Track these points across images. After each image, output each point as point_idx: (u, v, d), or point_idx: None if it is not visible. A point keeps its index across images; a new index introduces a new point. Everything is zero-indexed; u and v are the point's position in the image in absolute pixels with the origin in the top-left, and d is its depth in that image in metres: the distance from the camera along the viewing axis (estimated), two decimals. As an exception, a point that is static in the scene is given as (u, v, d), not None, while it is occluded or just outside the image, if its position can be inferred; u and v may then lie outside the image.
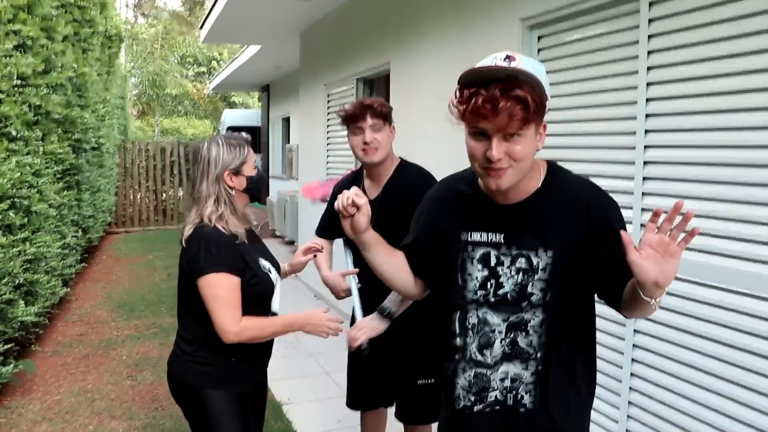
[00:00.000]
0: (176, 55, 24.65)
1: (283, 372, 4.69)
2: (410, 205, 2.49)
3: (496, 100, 1.37)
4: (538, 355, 1.57)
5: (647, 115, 2.56)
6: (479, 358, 1.61)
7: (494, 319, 1.58)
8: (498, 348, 1.59)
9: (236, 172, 2.21)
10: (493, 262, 1.57)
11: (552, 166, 1.61)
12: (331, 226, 2.84)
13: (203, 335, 2.13)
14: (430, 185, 1.95)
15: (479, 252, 1.59)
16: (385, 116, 2.60)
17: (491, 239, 1.58)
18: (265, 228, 11.95)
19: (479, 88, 1.40)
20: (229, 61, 13.54)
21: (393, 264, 1.76)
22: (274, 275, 2.30)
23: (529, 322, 1.57)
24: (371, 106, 2.58)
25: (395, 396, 2.79)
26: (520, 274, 1.55)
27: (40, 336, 5.36)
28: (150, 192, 13.30)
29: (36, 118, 4.88)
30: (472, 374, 1.63)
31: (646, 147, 2.58)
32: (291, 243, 10.37)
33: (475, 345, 1.62)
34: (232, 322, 2.05)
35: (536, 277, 1.54)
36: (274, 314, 2.30)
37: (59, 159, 5.70)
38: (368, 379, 2.81)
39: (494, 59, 1.45)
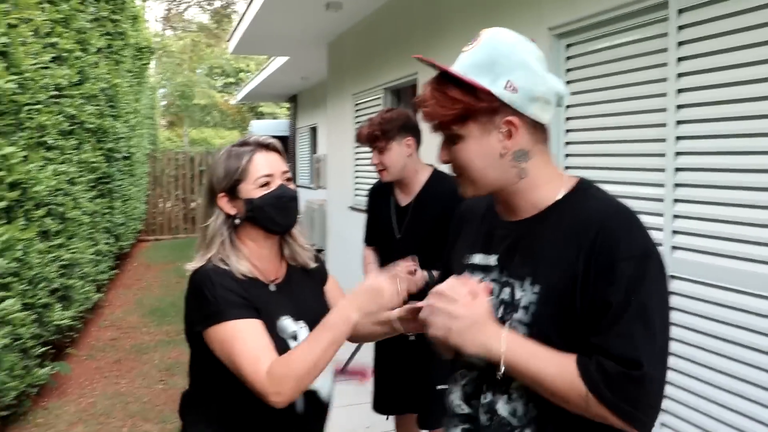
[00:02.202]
0: (204, 66, 25.02)
1: (311, 378, 4.71)
2: (448, 215, 2.51)
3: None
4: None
5: (678, 122, 2.56)
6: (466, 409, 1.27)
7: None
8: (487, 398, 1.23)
9: (231, 193, 1.56)
10: None
11: (582, 183, 1.24)
12: (371, 234, 2.93)
13: None
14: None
15: (476, 278, 1.26)
16: (377, 137, 2.59)
17: (487, 262, 1.27)
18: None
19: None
20: (257, 72, 13.73)
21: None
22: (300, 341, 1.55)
23: (511, 382, 1.16)
24: (361, 134, 2.66)
25: (418, 402, 2.71)
26: (501, 307, 1.19)
27: (75, 340, 5.48)
28: (179, 200, 13.50)
29: (71, 127, 5.01)
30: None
31: (677, 153, 2.58)
32: (320, 251, 10.41)
33: (459, 395, 1.29)
34: None
35: (515, 317, 1.16)
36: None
37: (93, 167, 5.85)
38: (392, 382, 2.77)
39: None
